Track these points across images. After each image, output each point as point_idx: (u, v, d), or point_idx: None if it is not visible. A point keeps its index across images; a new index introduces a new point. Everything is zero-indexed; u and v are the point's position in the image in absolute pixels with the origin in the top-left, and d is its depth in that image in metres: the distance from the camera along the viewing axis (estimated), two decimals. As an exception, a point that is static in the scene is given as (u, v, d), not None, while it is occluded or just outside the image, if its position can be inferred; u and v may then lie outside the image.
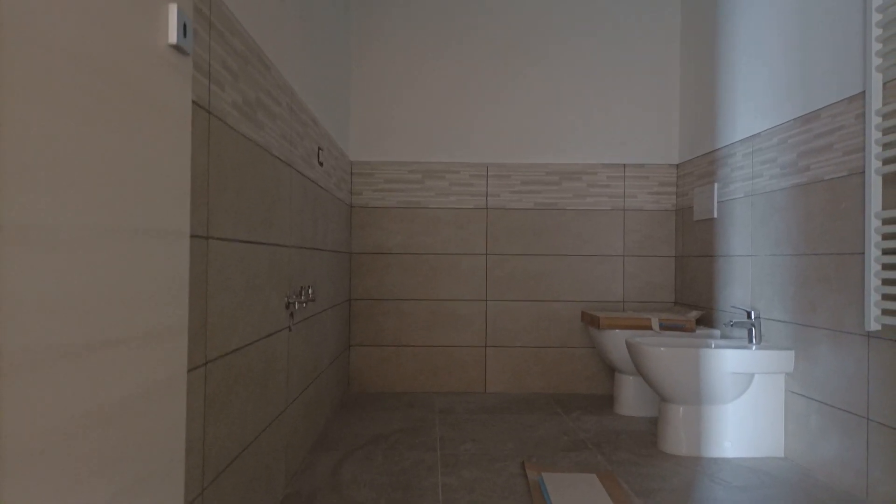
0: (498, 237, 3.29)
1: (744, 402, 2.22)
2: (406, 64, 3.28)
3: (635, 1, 3.29)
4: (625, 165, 3.30)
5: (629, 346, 2.35)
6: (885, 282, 1.66)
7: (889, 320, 1.62)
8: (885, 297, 1.65)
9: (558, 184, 3.30)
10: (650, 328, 2.74)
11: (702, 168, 2.97)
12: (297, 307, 1.82)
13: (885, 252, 1.65)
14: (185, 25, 0.75)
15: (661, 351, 2.20)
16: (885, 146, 1.66)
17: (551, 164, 3.30)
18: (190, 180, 0.79)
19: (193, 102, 1.09)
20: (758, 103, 2.46)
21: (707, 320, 2.88)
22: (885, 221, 1.65)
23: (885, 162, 1.66)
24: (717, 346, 2.42)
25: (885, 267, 1.66)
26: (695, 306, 3.02)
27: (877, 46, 1.69)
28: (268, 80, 1.60)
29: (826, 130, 2.00)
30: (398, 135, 3.28)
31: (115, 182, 0.62)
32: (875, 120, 1.69)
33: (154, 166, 0.70)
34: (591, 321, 2.91)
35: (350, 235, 3.23)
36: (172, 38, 0.73)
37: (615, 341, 2.77)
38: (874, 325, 1.68)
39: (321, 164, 2.34)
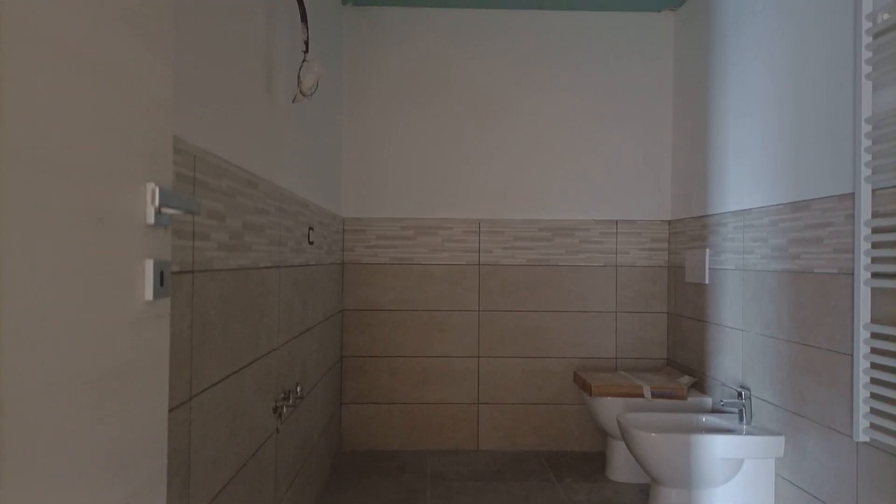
0: (490, 293, 3.29)
1: (734, 485, 2.22)
2: (397, 120, 3.27)
3: (627, 59, 3.29)
4: (617, 222, 3.30)
5: (620, 425, 2.35)
6: (874, 396, 1.66)
7: (878, 435, 1.62)
8: (874, 410, 1.65)
9: (551, 240, 3.30)
10: (642, 396, 2.74)
11: (694, 230, 2.97)
12: (285, 410, 1.81)
13: (874, 366, 1.65)
14: (161, 275, 0.74)
15: (652, 437, 2.20)
16: (875, 259, 1.66)
17: (543, 220, 3.29)
18: (166, 453, 0.78)
19: (175, 272, 1.08)
20: (749, 178, 2.46)
21: (699, 386, 2.88)
22: (875, 335, 1.66)
23: (875, 275, 1.66)
24: (707, 427, 2.42)
25: (874, 381, 1.66)
26: (687, 369, 3.02)
27: (866, 157, 1.69)
28: (256, 198, 1.59)
29: (816, 223, 2.00)
30: (390, 191, 3.27)
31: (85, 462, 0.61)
32: (864, 230, 1.69)
33: (125, 435, 0.69)
34: (582, 385, 2.91)
35: (342, 292, 3.22)
36: (149, 295, 0.72)
37: (607, 408, 2.77)
38: (863, 437, 1.69)
39: (311, 243, 2.33)
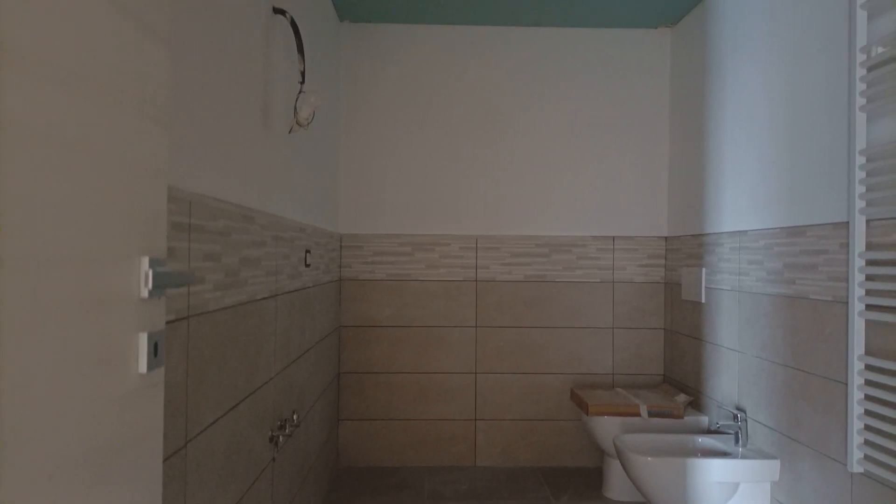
0: (488, 309, 3.29)
1: (730, 508, 2.23)
2: (394, 136, 3.27)
3: (624, 75, 3.29)
4: (614, 238, 3.31)
5: (616, 448, 2.35)
6: (868, 428, 1.66)
7: (872, 467, 1.63)
8: (868, 442, 1.66)
9: (548, 256, 3.30)
10: (639, 415, 2.74)
11: (690, 248, 2.98)
12: (281, 439, 1.81)
13: (869, 398, 1.66)
14: (155, 346, 0.75)
15: (648, 461, 2.21)
16: (869, 292, 1.67)
17: (541, 237, 3.30)
18: None
19: (170, 321, 1.08)
20: (746, 200, 2.47)
21: (696, 404, 2.88)
22: (869, 367, 1.66)
23: (869, 307, 1.66)
24: (703, 450, 2.43)
25: (869, 413, 1.66)
26: (683, 386, 3.03)
27: (860, 189, 1.70)
28: (252, 231, 1.59)
29: (811, 250, 2.01)
30: (387, 207, 3.27)
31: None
32: (858, 262, 1.70)
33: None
34: (579, 403, 2.92)
35: (339, 309, 3.23)
36: (143, 367, 0.73)
37: (604, 427, 2.77)
38: (857, 468, 1.69)
39: (308, 265, 2.33)
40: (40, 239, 0.55)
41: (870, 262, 1.67)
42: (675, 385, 3.12)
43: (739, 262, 2.49)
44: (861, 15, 1.71)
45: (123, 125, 0.68)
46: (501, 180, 3.29)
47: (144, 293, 0.72)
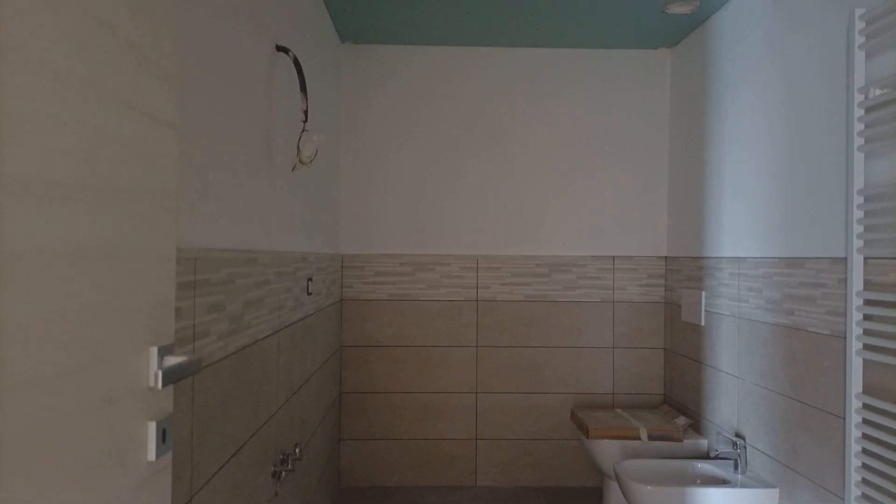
0: (488, 329, 3.31)
1: (729, 536, 2.24)
2: (395, 156, 3.28)
3: (624, 95, 3.31)
4: (614, 258, 3.32)
5: (616, 475, 2.37)
6: (866, 467, 1.68)
7: (869, 506, 1.64)
8: (866, 481, 1.67)
9: (548, 276, 3.32)
10: (639, 438, 2.76)
11: (690, 270, 2.99)
12: (283, 474, 1.83)
13: (866, 437, 1.67)
14: (164, 432, 0.76)
15: (648, 489, 2.22)
16: (867, 332, 1.68)
17: (541, 257, 3.31)
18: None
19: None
20: (745, 226, 2.48)
21: (695, 427, 2.90)
22: (867, 406, 1.68)
23: (867, 347, 1.68)
24: (703, 476, 2.44)
25: (866, 452, 1.68)
26: (683, 408, 3.04)
27: (858, 228, 1.71)
28: (255, 273, 1.60)
29: (810, 282, 2.02)
30: (388, 227, 3.29)
31: None
32: (856, 301, 1.71)
33: None
34: (580, 426, 2.93)
35: (341, 329, 3.24)
36: (151, 455, 0.74)
37: (604, 450, 2.79)
38: (855, 505, 1.71)
39: (310, 293, 2.35)
40: (51, 346, 0.56)
41: (868, 302, 1.69)
42: (675, 406, 3.14)
43: (739, 289, 2.51)
44: (859, 55, 1.72)
45: (131, 219, 0.70)
46: (502, 200, 3.31)
47: (153, 383, 0.73)
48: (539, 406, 3.29)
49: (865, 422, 1.68)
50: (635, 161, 3.32)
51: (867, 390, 1.70)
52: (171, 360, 0.73)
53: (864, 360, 1.71)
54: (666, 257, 3.31)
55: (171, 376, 0.71)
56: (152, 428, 0.74)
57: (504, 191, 3.31)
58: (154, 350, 0.73)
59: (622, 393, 3.31)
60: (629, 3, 2.67)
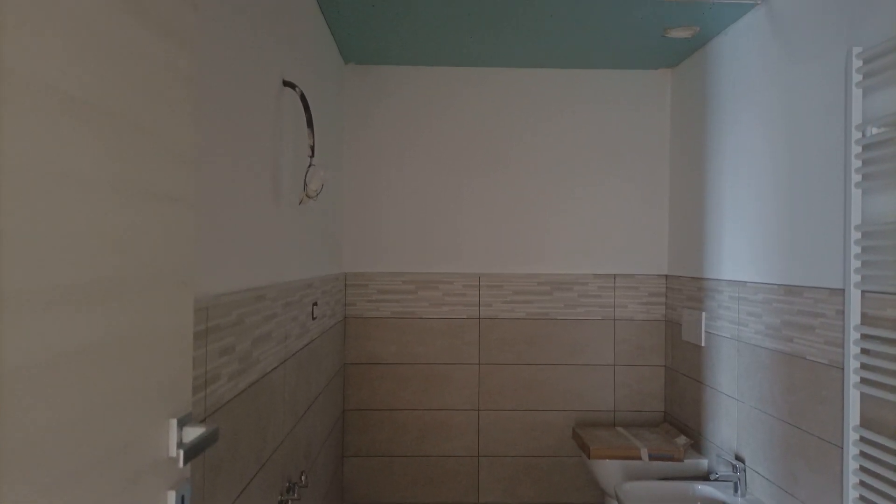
0: (490, 347, 3.34)
1: (729, 560, 2.27)
2: (397, 175, 3.32)
3: (625, 114, 3.34)
4: (615, 276, 3.35)
5: (618, 498, 2.40)
6: (864, 499, 1.70)
7: (866, 537, 1.67)
8: (863, 513, 1.70)
9: (550, 294, 3.35)
10: (639, 458, 2.78)
11: (690, 290, 3.02)
12: (290, 503, 1.86)
13: (864, 469, 1.70)
14: (182, 498, 0.79)
15: (649, 514, 2.25)
16: (864, 366, 1.71)
17: (543, 275, 3.34)
18: None
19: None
20: (745, 250, 2.51)
21: (696, 446, 2.92)
22: (864, 440, 1.70)
23: (864, 381, 1.71)
24: (703, 498, 2.47)
25: (864, 485, 1.70)
26: (683, 427, 3.07)
27: (856, 263, 1.74)
28: (263, 308, 1.63)
29: (809, 311, 2.05)
30: (391, 246, 3.32)
31: None
32: (853, 334, 1.74)
33: None
34: (581, 445, 2.96)
35: (344, 347, 3.27)
36: (171, 523, 0.77)
37: (605, 470, 2.81)
38: (852, 536, 1.73)
39: (315, 318, 2.38)
40: (73, 443, 0.59)
41: (865, 336, 1.71)
42: (676, 425, 3.16)
43: (739, 312, 2.53)
44: (856, 93, 1.75)
45: (149, 305, 0.73)
46: (504, 219, 3.34)
47: (173, 454, 0.76)
48: (541, 423, 3.32)
49: (863, 454, 1.71)
50: (636, 179, 3.35)
51: (865, 423, 1.73)
52: (191, 433, 0.76)
53: (862, 394, 1.74)
54: (667, 276, 3.34)
55: (192, 453, 0.74)
56: (172, 497, 0.77)
57: (506, 209, 3.34)
58: (174, 422, 0.76)
59: (623, 410, 3.33)
60: (630, 28, 2.70)
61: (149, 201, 0.71)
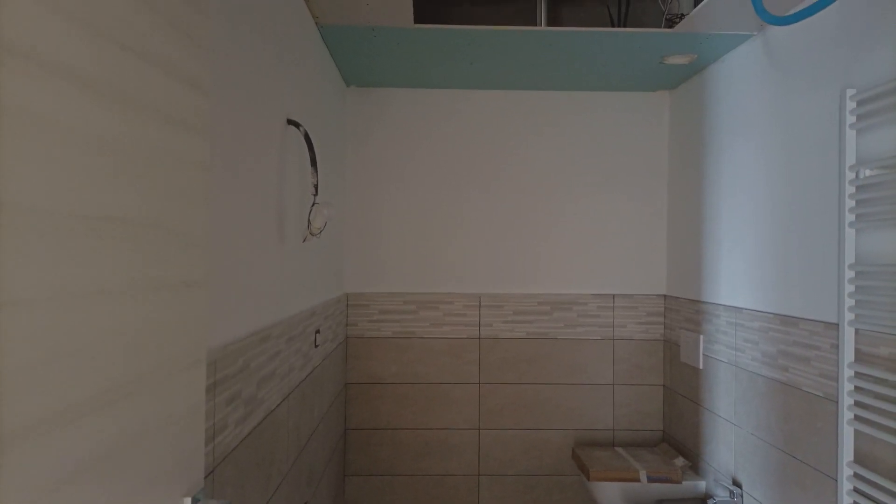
0: (490, 366, 3.37)
1: (726, 585, 2.30)
2: (398, 196, 3.35)
3: (623, 136, 3.37)
4: (614, 296, 3.38)
5: (616, 523, 2.43)
6: (857, 534, 1.74)
7: (860, 572, 1.70)
8: (857, 547, 1.73)
9: (549, 314, 3.38)
10: (638, 480, 2.82)
11: (688, 312, 3.05)
12: (294, 534, 1.89)
13: (857, 505, 1.73)
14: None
15: (647, 540, 2.28)
16: (858, 403, 1.74)
17: (543, 295, 3.37)
18: None
19: (199, 483, 1.16)
20: (742, 276, 2.54)
21: (694, 467, 2.96)
22: (858, 476, 1.73)
23: (858, 418, 1.74)
24: (701, 524, 2.50)
25: (857, 520, 1.74)
26: (681, 448, 3.10)
27: (850, 302, 1.77)
28: (268, 348, 1.66)
29: (804, 343, 2.08)
30: (392, 266, 3.35)
31: None
32: (847, 372, 1.77)
33: None
34: (581, 467, 2.99)
35: (346, 367, 3.30)
36: None
37: (605, 491, 2.85)
38: (846, 569, 1.77)
39: (317, 346, 2.41)
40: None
41: (858, 375, 1.74)
42: (674, 445, 3.20)
43: (736, 338, 2.57)
44: (850, 134, 1.78)
45: (159, 392, 0.76)
46: (504, 239, 3.37)
47: (187, 531, 0.79)
48: (541, 442, 3.35)
49: (857, 490, 1.74)
50: (635, 200, 3.38)
51: (859, 458, 1.76)
52: (204, 513, 0.79)
53: (856, 430, 1.77)
54: (665, 296, 3.37)
55: (206, 534, 0.77)
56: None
57: (506, 229, 3.37)
58: (188, 501, 0.79)
59: (622, 429, 3.37)
60: (629, 56, 2.73)
61: (163, 293, 0.74)
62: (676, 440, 3.18)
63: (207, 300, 0.85)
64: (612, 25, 2.69)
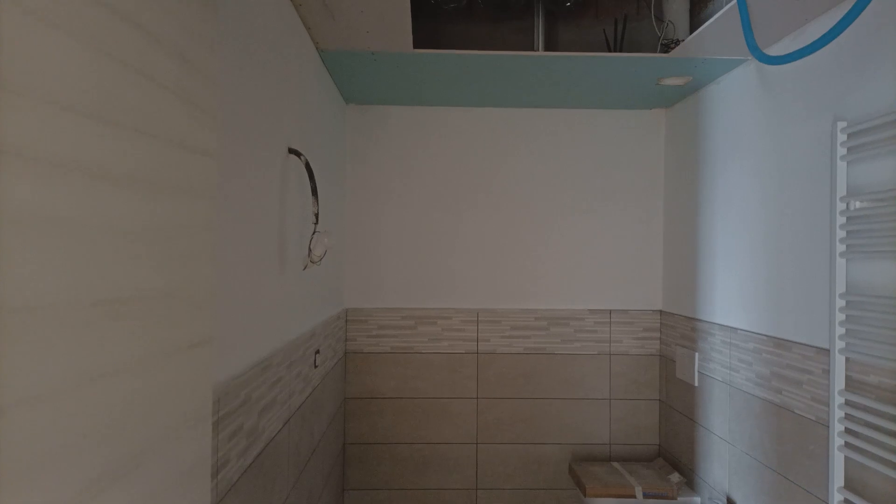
0: (488, 381, 3.40)
1: None
2: (396, 212, 3.38)
3: (620, 151, 3.40)
4: (610, 311, 3.42)
5: (612, 541, 2.46)
6: (847, 559, 1.77)
7: None
8: (847, 572, 1.76)
9: (547, 329, 3.41)
10: (634, 497, 2.85)
11: (684, 329, 3.09)
12: (295, 557, 1.91)
13: (847, 530, 1.76)
14: None
15: (642, 560, 2.31)
16: (849, 431, 1.77)
17: (540, 310, 3.41)
18: None
19: (203, 520, 1.19)
20: (736, 297, 2.57)
21: (689, 483, 2.99)
22: (848, 503, 1.77)
23: (849, 445, 1.77)
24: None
25: (847, 545, 1.77)
26: (677, 463, 3.13)
27: (840, 330, 1.80)
28: (268, 377, 1.69)
29: (797, 366, 2.11)
30: (391, 282, 3.38)
31: None
32: (838, 399, 1.80)
33: None
34: (577, 483, 3.02)
35: (344, 382, 3.33)
36: None
37: (600, 507, 2.88)
38: None
39: (317, 366, 2.44)
40: None
41: (850, 403, 1.78)
42: (669, 459, 3.23)
43: (731, 357, 2.60)
44: (841, 166, 1.81)
45: (172, 441, 0.79)
46: (501, 255, 3.40)
47: (195, 584, 0.82)
48: (538, 456, 3.38)
49: (847, 516, 1.77)
50: (631, 216, 3.42)
51: (849, 485, 1.80)
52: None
53: (846, 457, 1.80)
54: (661, 311, 3.40)
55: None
56: None
57: (503, 245, 3.40)
58: (195, 554, 0.82)
59: (619, 443, 3.40)
60: (625, 78, 2.77)
61: (173, 358, 0.77)
62: (672, 455, 3.21)
63: (213, 355, 0.87)
64: (609, 47, 2.72)
